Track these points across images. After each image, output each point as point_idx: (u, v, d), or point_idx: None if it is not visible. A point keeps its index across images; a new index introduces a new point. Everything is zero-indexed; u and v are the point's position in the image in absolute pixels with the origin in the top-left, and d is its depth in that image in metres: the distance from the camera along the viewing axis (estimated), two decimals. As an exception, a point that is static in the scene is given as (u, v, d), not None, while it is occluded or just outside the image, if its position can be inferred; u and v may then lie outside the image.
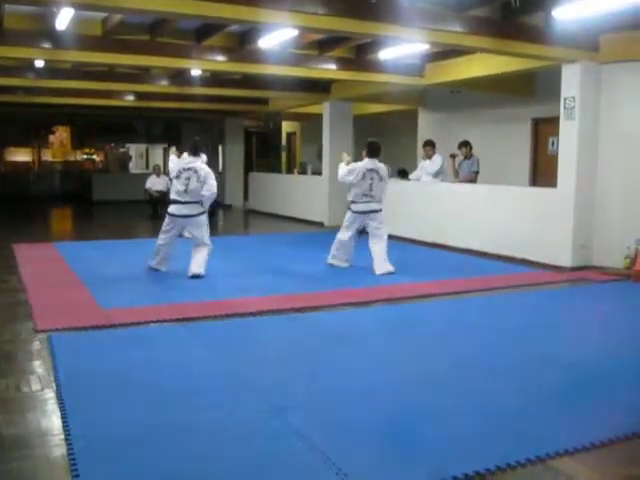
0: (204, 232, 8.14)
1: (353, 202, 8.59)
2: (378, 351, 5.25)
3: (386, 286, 7.79)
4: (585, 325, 6.33)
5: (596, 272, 8.74)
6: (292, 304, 6.72)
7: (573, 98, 8.89)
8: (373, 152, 8.58)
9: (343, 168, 8.66)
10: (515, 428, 3.70)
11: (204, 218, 8.20)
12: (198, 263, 8.00)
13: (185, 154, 8.31)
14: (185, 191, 7.95)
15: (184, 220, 8.09)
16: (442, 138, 13.20)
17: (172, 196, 8.13)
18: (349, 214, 8.70)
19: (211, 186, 8.00)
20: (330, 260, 8.96)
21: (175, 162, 8.30)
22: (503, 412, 3.93)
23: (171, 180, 8.32)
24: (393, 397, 4.20)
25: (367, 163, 8.51)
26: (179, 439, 3.49)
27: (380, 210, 8.61)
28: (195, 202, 8.02)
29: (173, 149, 8.90)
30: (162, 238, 8.21)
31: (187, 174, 7.95)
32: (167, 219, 8.17)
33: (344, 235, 8.77)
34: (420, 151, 12.55)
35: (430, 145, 11.74)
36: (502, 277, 8.49)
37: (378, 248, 8.53)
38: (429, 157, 11.75)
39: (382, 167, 8.60)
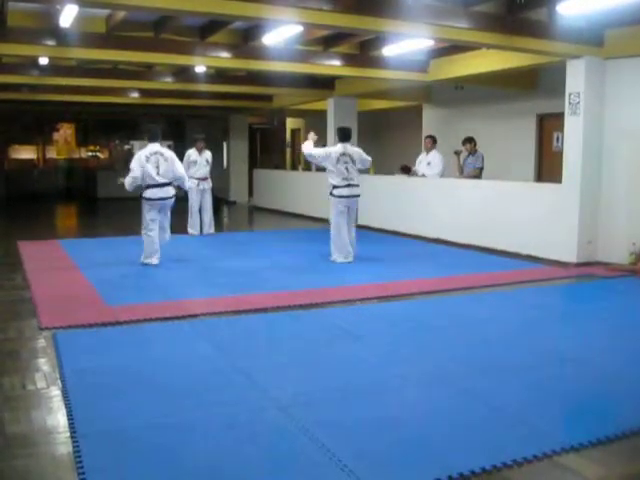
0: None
1: (335, 187, 8.81)
2: (384, 348, 5.25)
3: (391, 282, 7.77)
4: (591, 321, 6.30)
5: (601, 268, 8.72)
6: (297, 301, 6.73)
7: (578, 94, 8.86)
8: (344, 137, 8.96)
9: (310, 147, 9.01)
10: (521, 424, 3.69)
11: (174, 201, 8.72)
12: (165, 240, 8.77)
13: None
14: (157, 173, 8.36)
15: (162, 203, 8.47)
16: (447, 134, 13.19)
17: (147, 181, 8.37)
18: (334, 200, 8.87)
19: (178, 172, 8.66)
20: (333, 257, 8.99)
21: (138, 156, 8.50)
22: (509, 408, 3.92)
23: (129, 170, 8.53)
24: (398, 393, 4.20)
25: (339, 148, 8.87)
26: (185, 436, 3.49)
27: (359, 195, 9.00)
28: (168, 184, 8.48)
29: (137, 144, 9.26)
30: (151, 229, 8.52)
31: (155, 158, 8.38)
32: (146, 206, 8.49)
33: (339, 229, 8.93)
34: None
35: (430, 138, 11.96)
36: (507, 273, 8.46)
37: (353, 234, 9.05)
38: (427, 150, 11.88)
39: (356, 150, 8.98)
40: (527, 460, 3.24)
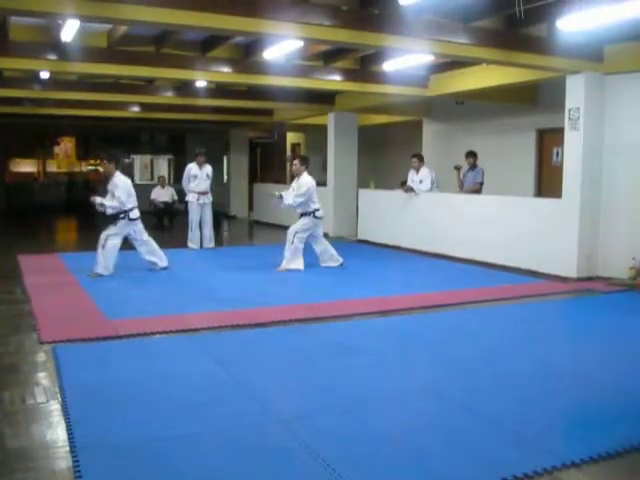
0: None
1: (317, 210, 9.67)
2: (383, 362, 5.24)
3: (390, 297, 7.77)
4: (590, 336, 6.30)
5: (601, 283, 8.72)
6: (296, 315, 6.72)
7: (577, 109, 8.89)
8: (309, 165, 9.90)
9: (289, 197, 9.64)
10: (521, 439, 3.68)
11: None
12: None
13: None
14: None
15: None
16: (447, 148, 13.24)
17: (133, 205, 9.27)
18: (313, 221, 9.63)
19: None
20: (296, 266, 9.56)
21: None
22: (509, 423, 3.91)
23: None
24: (398, 408, 4.19)
25: (312, 178, 9.65)
26: (185, 450, 3.48)
27: None
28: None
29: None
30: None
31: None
32: (139, 224, 9.25)
33: (325, 243, 9.87)
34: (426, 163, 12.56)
35: (417, 157, 11.99)
36: (507, 288, 8.46)
37: (328, 245, 9.87)
38: (415, 169, 11.91)
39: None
40: (527, 475, 3.23)
